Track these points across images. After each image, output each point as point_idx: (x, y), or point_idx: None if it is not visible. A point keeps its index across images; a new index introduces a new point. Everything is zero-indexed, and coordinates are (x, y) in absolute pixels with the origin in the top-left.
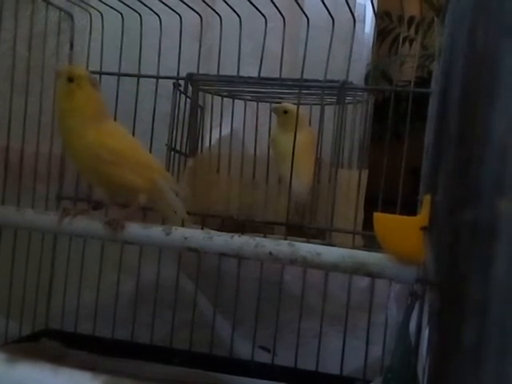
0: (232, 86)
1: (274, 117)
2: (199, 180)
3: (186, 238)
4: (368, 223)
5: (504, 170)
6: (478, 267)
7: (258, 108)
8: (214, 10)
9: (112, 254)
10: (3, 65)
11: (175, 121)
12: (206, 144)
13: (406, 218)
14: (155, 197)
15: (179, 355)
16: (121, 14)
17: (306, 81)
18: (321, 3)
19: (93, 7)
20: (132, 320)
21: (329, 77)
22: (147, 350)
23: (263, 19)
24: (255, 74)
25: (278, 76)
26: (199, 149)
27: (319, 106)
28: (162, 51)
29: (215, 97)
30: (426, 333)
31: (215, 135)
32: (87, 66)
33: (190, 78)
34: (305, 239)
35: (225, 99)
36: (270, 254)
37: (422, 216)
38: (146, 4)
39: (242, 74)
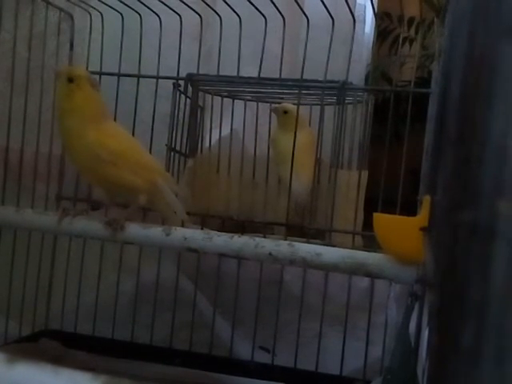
0: (232, 86)
1: (273, 117)
2: (199, 180)
3: (185, 239)
4: (368, 223)
5: (503, 170)
6: (476, 268)
7: (257, 108)
8: (214, 11)
9: (112, 254)
10: (3, 65)
11: (175, 121)
12: (206, 144)
13: (405, 218)
14: (155, 197)
15: (179, 355)
16: (121, 14)
17: (306, 81)
18: (321, 3)
19: (93, 7)
20: (132, 320)
21: (329, 77)
22: (147, 350)
23: (263, 19)
24: (255, 74)
25: (278, 76)
26: (199, 149)
27: (319, 107)
28: (162, 51)
29: (215, 97)
30: (425, 333)
31: (215, 135)
32: (87, 67)
33: (190, 78)
34: (304, 240)
35: (225, 99)
36: (270, 254)
37: (422, 216)
38: (146, 4)
39: (242, 74)
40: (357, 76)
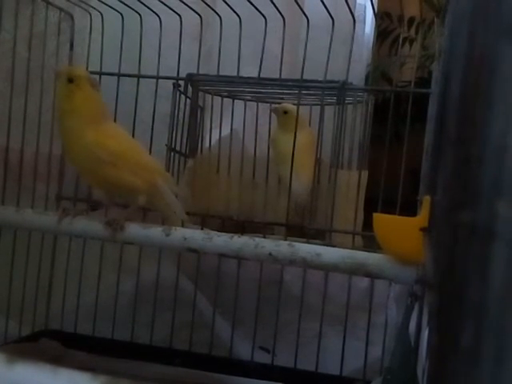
0: (232, 87)
1: (273, 117)
2: (199, 180)
3: (185, 239)
4: (368, 224)
5: (502, 171)
6: (476, 268)
7: (257, 108)
8: (214, 11)
9: (112, 255)
10: (3, 65)
11: (175, 121)
12: (206, 144)
13: (405, 218)
14: (155, 198)
15: (179, 355)
16: (121, 14)
17: (306, 81)
18: (321, 3)
19: (93, 7)
20: (132, 320)
21: (329, 77)
22: (147, 350)
23: (263, 19)
24: (255, 75)
25: (277, 76)
26: (199, 149)
27: (319, 107)
28: (162, 51)
29: (215, 97)
30: (425, 333)
31: (215, 135)
32: (87, 67)
33: (190, 79)
34: (304, 240)
35: (225, 99)
36: (270, 254)
37: (422, 217)
38: (146, 4)
39: (241, 74)
40: (357, 76)
